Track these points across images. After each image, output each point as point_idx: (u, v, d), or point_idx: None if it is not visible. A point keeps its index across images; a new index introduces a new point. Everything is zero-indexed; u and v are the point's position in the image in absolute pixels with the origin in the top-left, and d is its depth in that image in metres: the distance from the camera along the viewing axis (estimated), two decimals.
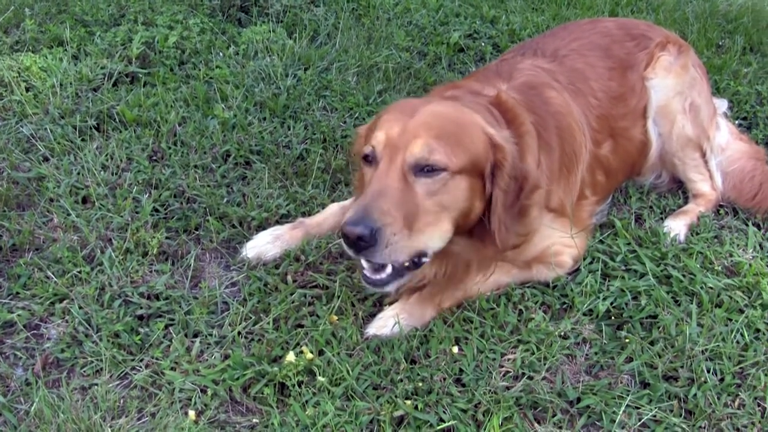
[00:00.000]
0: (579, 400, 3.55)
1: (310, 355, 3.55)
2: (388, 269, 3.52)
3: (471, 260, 3.85)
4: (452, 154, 3.47)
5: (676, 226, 4.64)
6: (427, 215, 3.46)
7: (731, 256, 4.45)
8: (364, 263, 3.53)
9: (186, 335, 3.76)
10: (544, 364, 3.69)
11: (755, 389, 3.62)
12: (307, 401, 3.44)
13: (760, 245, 4.61)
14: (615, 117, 4.66)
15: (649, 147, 4.92)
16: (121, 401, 3.44)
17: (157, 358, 3.63)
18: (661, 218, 4.81)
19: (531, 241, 4.10)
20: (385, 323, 3.80)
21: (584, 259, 4.28)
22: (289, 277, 4.07)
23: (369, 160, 3.54)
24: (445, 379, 3.56)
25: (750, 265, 4.32)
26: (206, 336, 3.75)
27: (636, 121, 4.80)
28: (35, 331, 3.80)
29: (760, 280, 4.20)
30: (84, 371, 3.58)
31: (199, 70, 5.93)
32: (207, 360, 3.63)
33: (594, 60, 4.74)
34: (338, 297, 3.95)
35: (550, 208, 4.16)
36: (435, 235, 3.52)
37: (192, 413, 3.37)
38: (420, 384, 3.50)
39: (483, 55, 6.67)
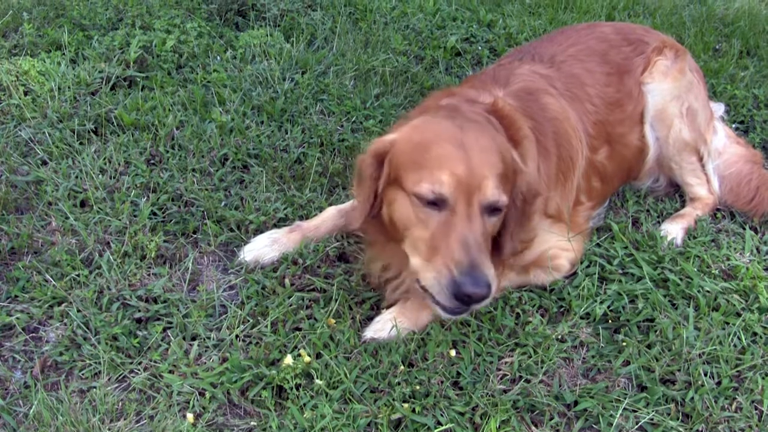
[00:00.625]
0: (576, 403, 3.56)
1: (307, 359, 3.56)
2: None
3: None
4: (505, 191, 3.49)
5: (673, 230, 4.65)
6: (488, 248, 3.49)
7: (728, 259, 4.46)
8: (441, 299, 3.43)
9: (184, 338, 3.76)
10: (542, 368, 3.70)
11: (752, 392, 3.64)
12: (304, 404, 3.44)
13: (757, 249, 4.62)
14: (612, 123, 4.67)
15: (646, 152, 4.92)
16: (120, 404, 3.44)
17: (155, 361, 3.63)
18: (658, 222, 4.83)
19: (530, 247, 4.11)
20: (383, 326, 3.80)
21: (581, 263, 4.29)
22: (286, 281, 4.07)
23: (434, 202, 3.38)
24: (442, 382, 3.56)
25: (747, 268, 4.34)
26: (204, 339, 3.76)
27: (633, 126, 4.80)
28: (34, 334, 3.81)
29: (757, 284, 4.21)
30: (82, 374, 3.59)
31: (197, 74, 5.93)
32: (205, 363, 3.64)
33: (591, 66, 4.74)
34: (336, 300, 3.95)
35: (548, 214, 4.18)
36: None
37: (190, 416, 3.38)
38: (417, 387, 3.51)
39: (480, 59, 6.67)
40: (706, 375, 3.68)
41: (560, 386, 3.64)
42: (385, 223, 3.66)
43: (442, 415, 3.42)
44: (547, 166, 4.11)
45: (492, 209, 3.44)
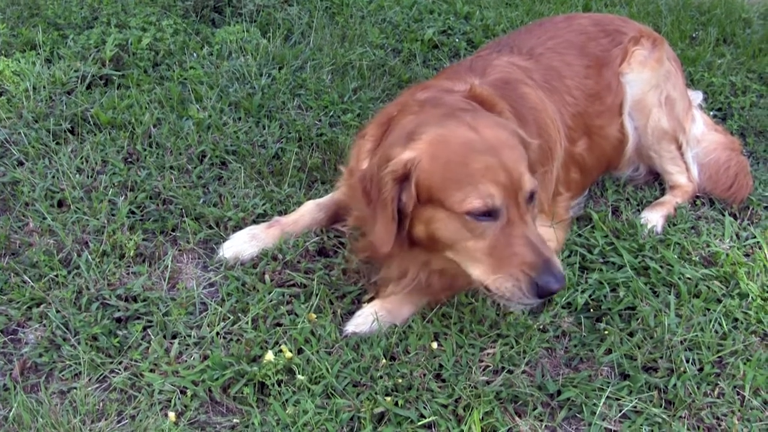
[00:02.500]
0: (559, 392, 3.56)
1: (289, 354, 3.54)
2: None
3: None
4: (532, 171, 3.53)
5: (653, 218, 4.66)
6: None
7: (708, 246, 4.47)
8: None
9: (164, 337, 3.74)
10: (524, 358, 3.70)
11: (734, 378, 3.65)
12: (287, 400, 3.43)
13: (736, 235, 4.63)
14: (591, 115, 4.67)
15: (625, 143, 4.93)
16: (101, 404, 3.42)
17: (135, 360, 3.61)
18: (638, 210, 4.83)
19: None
20: (364, 320, 3.79)
21: (562, 253, 4.28)
22: (266, 277, 4.06)
23: (486, 215, 3.36)
24: (424, 375, 3.56)
25: (727, 255, 4.35)
26: (185, 337, 3.74)
27: (612, 119, 4.81)
28: (12, 336, 3.78)
29: (737, 270, 4.22)
30: (62, 375, 3.57)
31: (173, 71, 5.90)
32: (186, 361, 3.62)
33: (570, 58, 4.74)
34: (316, 295, 3.94)
35: None
36: None
37: (172, 414, 3.36)
38: (400, 380, 3.50)
39: (457, 51, 6.66)
40: (688, 362, 3.68)
41: (543, 376, 3.64)
42: (415, 238, 3.62)
43: (425, 408, 3.41)
44: None
45: (531, 196, 3.46)
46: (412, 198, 3.45)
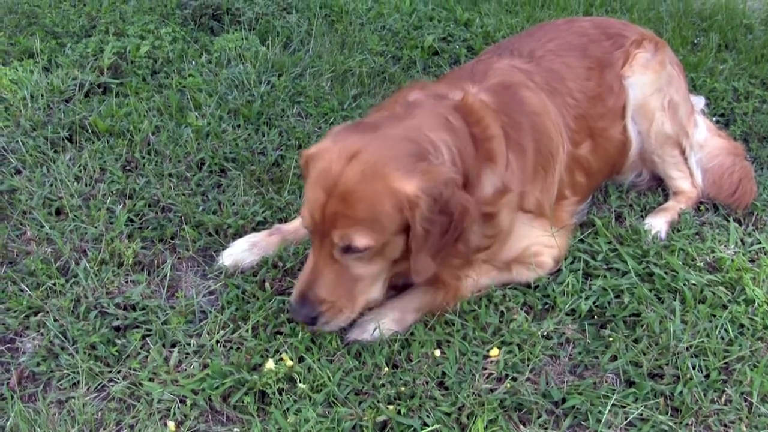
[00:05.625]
0: (564, 400, 3.52)
1: (290, 362, 3.51)
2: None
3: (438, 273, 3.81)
4: (371, 234, 3.47)
5: (657, 224, 4.63)
6: (364, 280, 3.67)
7: (713, 252, 4.43)
8: None
9: (164, 345, 3.71)
10: (528, 365, 3.66)
11: (741, 384, 3.61)
12: (288, 409, 3.39)
13: (741, 240, 4.60)
14: (593, 117, 4.63)
15: (628, 146, 4.90)
16: (99, 414, 3.39)
17: (134, 369, 3.57)
18: (642, 216, 4.80)
19: (506, 243, 4.09)
20: (366, 328, 3.76)
21: (565, 259, 4.25)
22: (267, 284, 4.02)
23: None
24: (427, 382, 3.52)
25: (732, 260, 4.31)
26: (184, 346, 3.70)
27: (615, 121, 4.77)
28: (10, 345, 3.75)
29: (742, 276, 4.18)
30: (60, 384, 3.53)
31: (172, 79, 5.88)
32: (185, 370, 3.59)
33: (571, 60, 4.71)
34: None
35: (525, 210, 4.13)
36: (375, 291, 3.76)
37: (171, 424, 3.32)
38: (402, 388, 3.47)
39: (458, 58, 6.64)
40: (694, 368, 3.64)
41: (547, 384, 3.60)
42: None
43: (428, 416, 3.37)
44: (522, 160, 4.05)
45: (349, 250, 3.52)
46: None
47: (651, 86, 4.79)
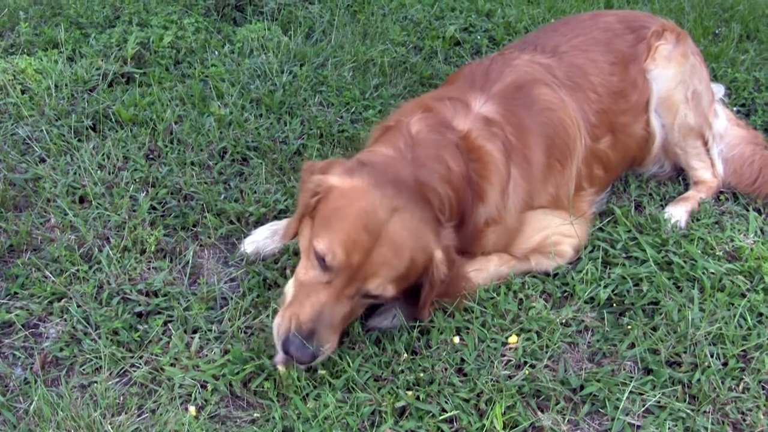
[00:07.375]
0: (582, 387, 3.54)
1: None
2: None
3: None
4: (400, 286, 3.54)
5: (677, 213, 4.63)
6: (351, 318, 3.66)
7: (732, 241, 4.43)
8: None
9: (185, 331, 3.75)
10: (546, 353, 3.67)
11: (759, 372, 3.62)
12: (308, 394, 3.42)
13: (761, 230, 4.60)
14: (615, 112, 4.64)
15: (651, 140, 4.91)
16: (121, 398, 3.42)
17: (156, 355, 3.61)
18: (661, 205, 4.81)
19: (523, 234, 4.14)
20: (386, 315, 3.78)
21: (585, 248, 4.26)
22: (288, 271, 4.05)
23: (320, 260, 3.45)
24: (446, 369, 3.54)
25: (751, 249, 4.31)
26: (205, 331, 3.74)
27: (638, 116, 4.79)
28: (34, 330, 3.79)
29: (761, 264, 4.18)
30: (83, 369, 3.57)
31: (195, 68, 5.90)
32: (207, 355, 3.62)
33: (595, 55, 4.72)
34: None
35: (534, 207, 4.19)
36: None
37: (192, 409, 3.36)
38: (421, 374, 3.49)
39: (479, 48, 6.64)
40: (712, 356, 3.65)
41: (566, 371, 3.61)
42: None
43: (446, 402, 3.39)
44: (527, 171, 4.10)
45: (371, 296, 3.53)
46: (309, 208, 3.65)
47: (675, 79, 4.79)
